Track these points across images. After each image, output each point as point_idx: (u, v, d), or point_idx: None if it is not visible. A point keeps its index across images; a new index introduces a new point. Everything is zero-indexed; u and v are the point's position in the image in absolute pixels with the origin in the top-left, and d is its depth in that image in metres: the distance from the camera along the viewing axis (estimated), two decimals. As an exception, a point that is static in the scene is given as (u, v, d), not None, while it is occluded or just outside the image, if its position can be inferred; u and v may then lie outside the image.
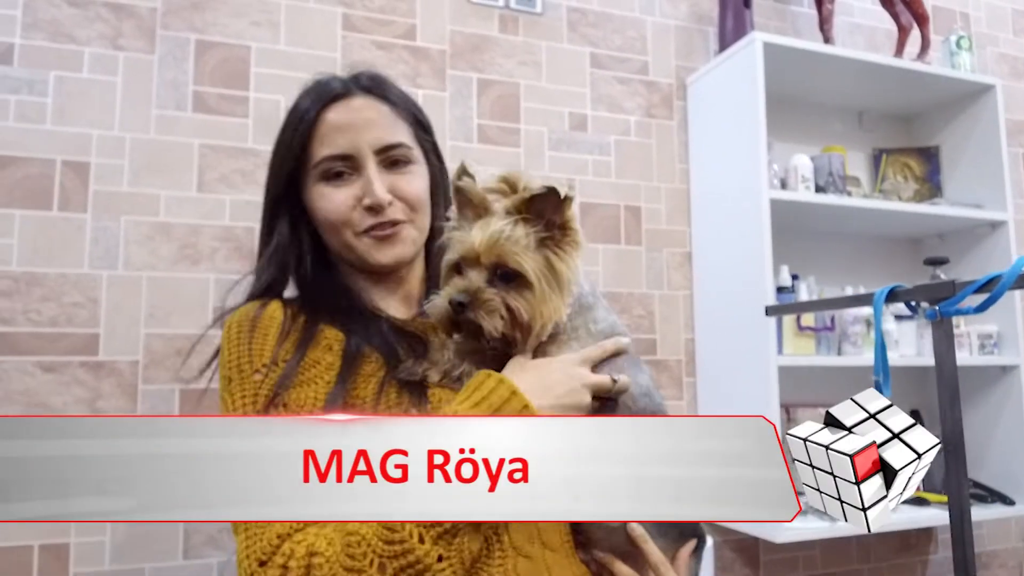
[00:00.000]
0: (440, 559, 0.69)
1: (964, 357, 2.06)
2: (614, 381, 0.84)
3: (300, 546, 0.69)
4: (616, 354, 0.87)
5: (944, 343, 0.93)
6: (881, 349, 0.96)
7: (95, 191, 1.54)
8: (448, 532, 0.69)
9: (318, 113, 0.92)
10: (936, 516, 1.91)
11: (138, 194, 1.57)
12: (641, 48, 2.09)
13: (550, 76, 1.97)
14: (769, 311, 1.20)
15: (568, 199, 0.80)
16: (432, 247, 1.00)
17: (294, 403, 0.78)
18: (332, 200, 0.92)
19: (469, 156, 1.81)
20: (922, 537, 2.27)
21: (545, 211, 0.81)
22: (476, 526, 0.72)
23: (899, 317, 2.02)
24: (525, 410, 0.75)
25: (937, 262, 0.96)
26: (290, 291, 0.98)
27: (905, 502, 2.04)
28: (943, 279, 0.95)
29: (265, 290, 0.95)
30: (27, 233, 1.49)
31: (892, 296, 0.98)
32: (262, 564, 0.69)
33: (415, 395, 0.83)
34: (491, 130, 1.88)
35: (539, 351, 0.85)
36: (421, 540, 0.68)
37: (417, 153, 0.97)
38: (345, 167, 0.92)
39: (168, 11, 1.63)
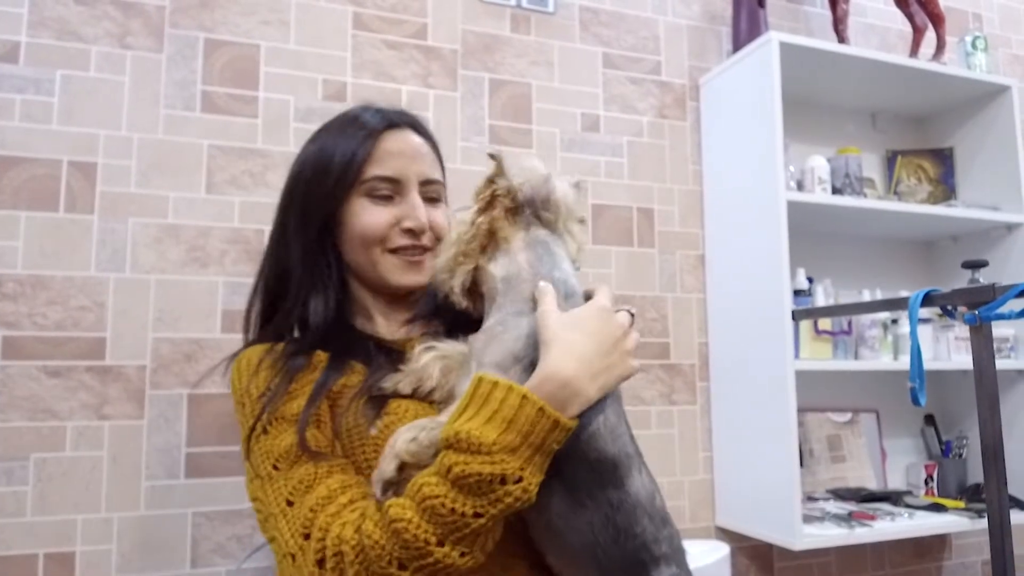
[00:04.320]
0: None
1: (980, 361, 2.03)
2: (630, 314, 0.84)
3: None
4: None
5: (984, 349, 0.90)
6: (917, 355, 0.94)
7: (102, 192, 1.51)
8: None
9: (380, 134, 0.99)
10: (951, 523, 1.88)
11: (146, 195, 1.54)
12: (654, 48, 2.06)
13: (562, 76, 1.95)
14: (796, 315, 1.17)
15: (495, 160, 0.85)
16: None
17: (287, 413, 0.86)
18: (374, 215, 0.97)
19: (481, 157, 1.80)
20: (936, 544, 2.24)
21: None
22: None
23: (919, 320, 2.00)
24: (540, 414, 0.71)
25: (975, 265, 0.93)
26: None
27: (921, 508, 2.02)
28: (982, 283, 0.92)
29: (279, 333, 1.01)
30: (33, 235, 1.46)
31: (928, 300, 0.95)
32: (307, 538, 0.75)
33: (374, 408, 0.87)
34: (503, 131, 1.85)
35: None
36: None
37: (445, 192, 1.06)
38: (390, 190, 0.98)
39: (176, 9, 1.60)
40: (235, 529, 1.52)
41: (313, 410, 0.86)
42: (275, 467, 0.82)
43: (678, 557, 0.82)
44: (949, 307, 0.95)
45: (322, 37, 1.71)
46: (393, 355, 0.95)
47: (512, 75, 1.89)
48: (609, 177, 1.96)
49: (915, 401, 0.93)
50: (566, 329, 0.76)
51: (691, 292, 2.01)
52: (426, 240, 1.00)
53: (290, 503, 0.79)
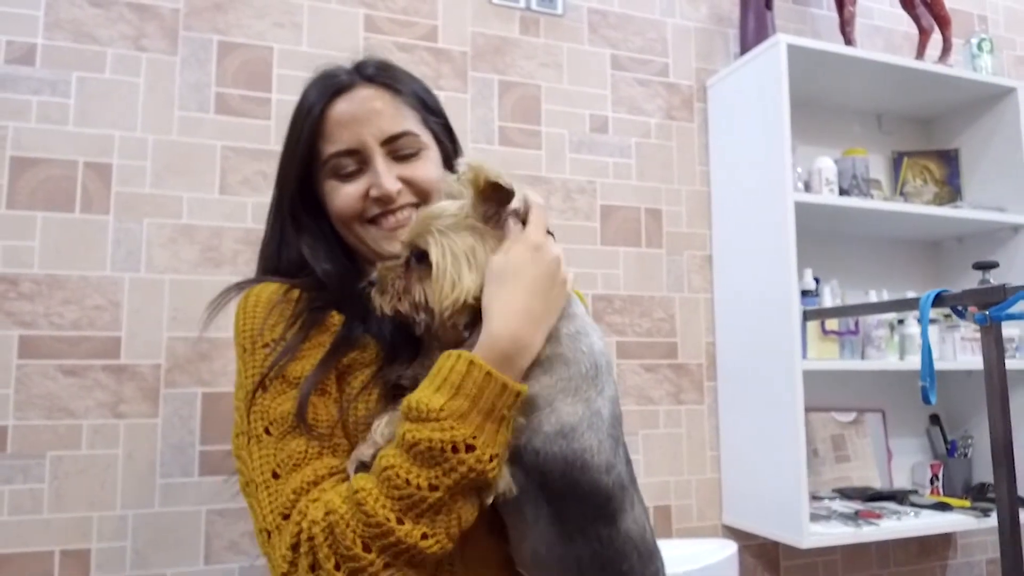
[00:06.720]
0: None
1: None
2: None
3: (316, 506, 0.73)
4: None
5: (994, 349, 0.92)
6: (928, 354, 0.95)
7: (117, 193, 1.53)
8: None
9: (323, 109, 0.92)
10: (957, 522, 1.89)
11: (161, 196, 1.55)
12: (662, 50, 2.08)
13: (571, 78, 1.96)
14: (807, 316, 1.18)
15: (510, 195, 0.77)
16: None
17: (291, 375, 0.82)
18: (342, 194, 0.93)
19: (490, 158, 1.82)
20: (941, 542, 2.25)
21: (493, 201, 0.78)
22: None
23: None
24: (488, 378, 0.71)
25: (986, 266, 0.95)
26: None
27: (927, 507, 2.02)
28: (993, 284, 0.93)
29: (284, 274, 0.96)
30: (49, 235, 1.48)
31: (939, 301, 0.96)
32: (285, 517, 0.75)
33: (392, 400, 0.83)
34: (512, 132, 1.87)
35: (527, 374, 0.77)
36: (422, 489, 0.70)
37: (426, 138, 0.97)
38: (353, 162, 0.92)
39: (191, 12, 1.62)
40: (248, 526, 1.53)
41: (320, 379, 0.83)
42: (267, 431, 0.79)
43: None
44: (959, 307, 0.97)
45: (334, 39, 1.73)
46: (411, 339, 0.88)
47: (521, 77, 1.90)
48: (617, 178, 1.97)
49: (926, 399, 0.95)
50: (503, 286, 0.76)
51: (699, 292, 2.03)
52: (405, 199, 0.93)
53: (276, 475, 0.77)
